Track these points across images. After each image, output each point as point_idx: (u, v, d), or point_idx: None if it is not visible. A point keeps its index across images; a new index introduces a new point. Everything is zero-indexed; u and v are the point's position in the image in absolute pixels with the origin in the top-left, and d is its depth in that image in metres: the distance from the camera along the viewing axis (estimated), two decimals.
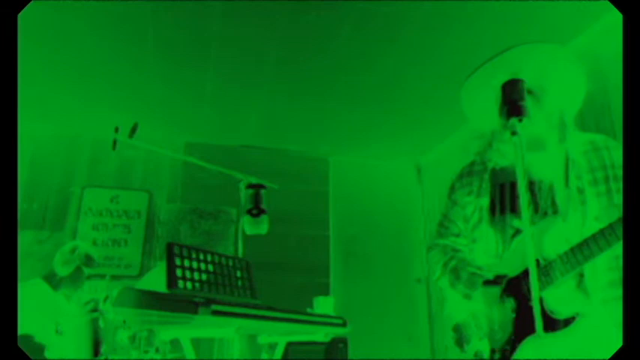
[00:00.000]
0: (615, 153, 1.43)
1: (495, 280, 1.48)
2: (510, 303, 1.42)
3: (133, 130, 1.79)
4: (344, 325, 1.93)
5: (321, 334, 1.88)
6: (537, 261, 1.35)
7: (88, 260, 2.85)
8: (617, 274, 1.33)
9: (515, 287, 1.42)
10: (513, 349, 1.37)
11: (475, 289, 1.51)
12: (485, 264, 1.56)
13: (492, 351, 1.44)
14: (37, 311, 2.61)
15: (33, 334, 2.48)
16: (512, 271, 1.44)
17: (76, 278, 2.81)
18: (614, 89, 2.64)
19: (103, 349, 2.52)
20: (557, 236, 1.37)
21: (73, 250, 2.83)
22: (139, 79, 3.51)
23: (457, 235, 1.68)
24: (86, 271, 2.83)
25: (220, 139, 4.46)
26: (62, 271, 2.77)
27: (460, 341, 1.56)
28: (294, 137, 4.54)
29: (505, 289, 1.45)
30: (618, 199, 1.36)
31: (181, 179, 4.38)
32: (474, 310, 1.54)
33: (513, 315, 1.40)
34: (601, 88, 2.69)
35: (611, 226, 1.21)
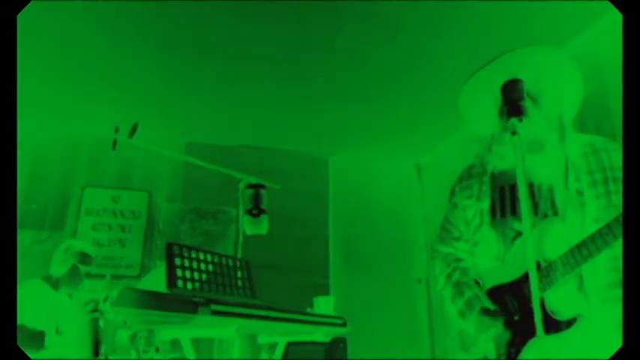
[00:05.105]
0: (614, 154, 1.43)
1: (493, 312, 1.47)
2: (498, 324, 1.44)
3: (133, 130, 1.79)
4: (344, 325, 1.93)
5: (321, 334, 1.88)
6: (538, 263, 1.35)
7: (84, 257, 2.85)
8: (617, 276, 1.33)
9: (517, 289, 1.42)
10: (517, 351, 1.37)
11: (472, 312, 1.51)
12: (487, 267, 1.56)
13: (498, 353, 1.44)
14: (37, 311, 2.62)
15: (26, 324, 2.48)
16: (514, 273, 1.44)
17: (73, 277, 2.81)
18: (613, 89, 2.64)
19: (103, 349, 2.51)
20: (557, 238, 1.38)
21: (67, 249, 2.84)
22: (139, 79, 3.52)
23: (458, 239, 1.68)
24: (83, 268, 2.83)
25: (220, 139, 4.46)
26: (58, 270, 2.78)
27: (467, 344, 1.57)
28: (294, 137, 4.54)
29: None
30: (617, 200, 1.35)
31: (181, 179, 4.38)
32: None
33: (506, 336, 1.41)
34: (600, 88, 2.69)
35: (608, 225, 1.21)
